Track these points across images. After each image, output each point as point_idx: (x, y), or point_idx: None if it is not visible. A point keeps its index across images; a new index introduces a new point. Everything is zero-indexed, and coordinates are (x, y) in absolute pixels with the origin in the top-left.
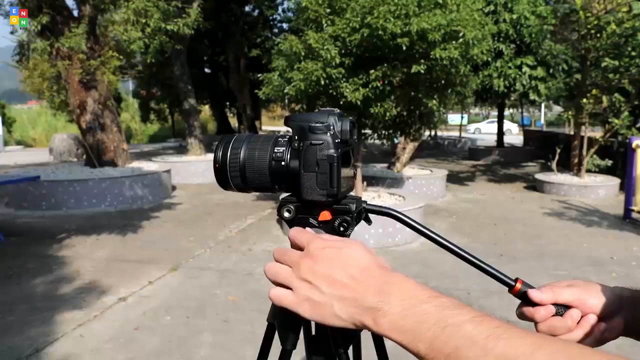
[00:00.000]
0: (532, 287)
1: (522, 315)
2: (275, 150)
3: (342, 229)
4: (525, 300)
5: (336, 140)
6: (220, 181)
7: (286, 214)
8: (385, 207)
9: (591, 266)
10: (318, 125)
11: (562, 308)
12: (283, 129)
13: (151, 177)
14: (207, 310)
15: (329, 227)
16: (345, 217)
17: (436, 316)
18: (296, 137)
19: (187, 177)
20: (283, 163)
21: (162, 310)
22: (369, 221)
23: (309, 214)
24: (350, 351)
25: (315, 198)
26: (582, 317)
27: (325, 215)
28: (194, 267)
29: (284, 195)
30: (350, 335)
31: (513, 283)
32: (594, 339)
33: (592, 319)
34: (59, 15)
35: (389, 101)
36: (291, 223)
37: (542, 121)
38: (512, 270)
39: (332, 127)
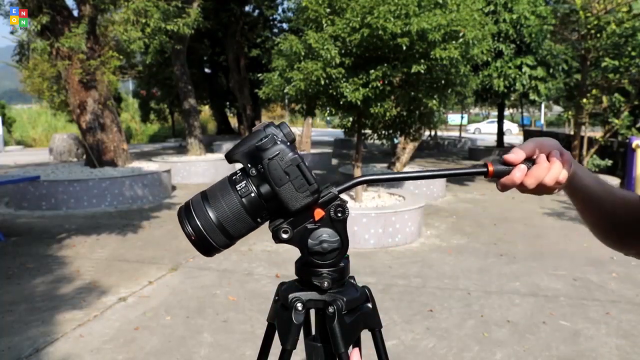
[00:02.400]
0: (497, 162)
1: (504, 187)
2: (238, 188)
3: (339, 214)
4: (499, 176)
5: (288, 144)
6: (204, 250)
7: (284, 235)
8: (351, 180)
9: (591, 266)
10: (264, 141)
11: (529, 162)
12: None
13: (151, 177)
14: (207, 310)
15: (326, 220)
16: (336, 202)
17: None
18: (249, 165)
19: (187, 177)
20: (253, 194)
21: (162, 310)
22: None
23: (304, 222)
24: (349, 349)
25: (303, 203)
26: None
27: (319, 213)
28: (194, 267)
29: (273, 223)
30: (350, 336)
31: (485, 169)
32: (569, 163)
33: (556, 153)
34: (59, 15)
35: (389, 101)
36: (290, 242)
37: (542, 121)
38: (512, 270)
39: (276, 136)
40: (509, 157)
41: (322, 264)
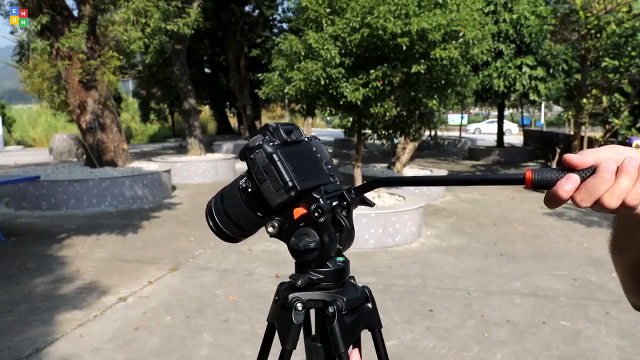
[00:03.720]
0: (542, 169)
1: (550, 202)
2: (240, 184)
3: (316, 214)
4: (542, 186)
5: (273, 142)
6: (226, 240)
7: (270, 229)
8: (369, 182)
9: (591, 266)
10: (252, 139)
11: (587, 171)
12: None
13: (151, 177)
14: (207, 310)
15: (307, 219)
16: (317, 204)
17: None
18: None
19: (187, 177)
20: (250, 190)
21: (162, 310)
22: (368, 203)
23: (289, 220)
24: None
25: (279, 200)
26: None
27: (297, 212)
28: (194, 267)
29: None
30: (350, 335)
31: (522, 176)
32: None
33: (631, 161)
34: (59, 15)
35: (389, 101)
36: (278, 236)
37: (542, 121)
38: (512, 270)
39: (266, 135)
40: (570, 157)
41: (304, 263)
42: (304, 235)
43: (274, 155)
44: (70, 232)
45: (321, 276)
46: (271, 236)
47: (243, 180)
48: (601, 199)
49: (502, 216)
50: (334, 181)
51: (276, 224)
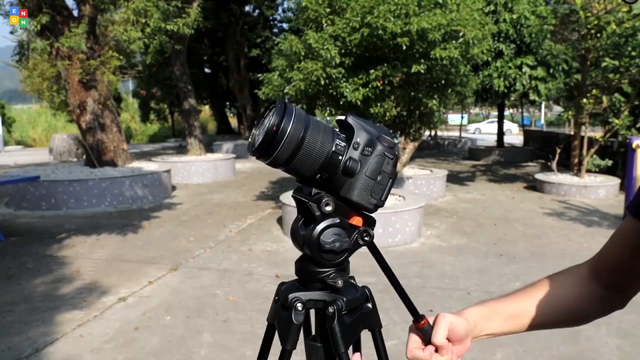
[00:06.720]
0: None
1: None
2: (337, 143)
3: (365, 239)
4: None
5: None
6: (266, 148)
7: (328, 208)
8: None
9: None
10: (393, 141)
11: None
12: None
13: (151, 177)
14: (207, 310)
15: (351, 232)
16: (369, 229)
17: None
18: (358, 140)
19: (187, 177)
20: (341, 157)
21: (162, 310)
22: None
23: (341, 213)
24: (350, 351)
25: (364, 203)
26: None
27: (358, 221)
28: (194, 267)
29: (316, 190)
30: (350, 335)
31: (420, 319)
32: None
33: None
34: (59, 15)
35: (389, 101)
36: (325, 217)
37: (542, 121)
38: (512, 270)
39: (398, 149)
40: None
41: (336, 263)
42: (336, 236)
43: (396, 175)
44: (70, 232)
45: (344, 273)
46: (324, 214)
47: (342, 145)
48: None
49: (502, 216)
50: None
51: (332, 204)
